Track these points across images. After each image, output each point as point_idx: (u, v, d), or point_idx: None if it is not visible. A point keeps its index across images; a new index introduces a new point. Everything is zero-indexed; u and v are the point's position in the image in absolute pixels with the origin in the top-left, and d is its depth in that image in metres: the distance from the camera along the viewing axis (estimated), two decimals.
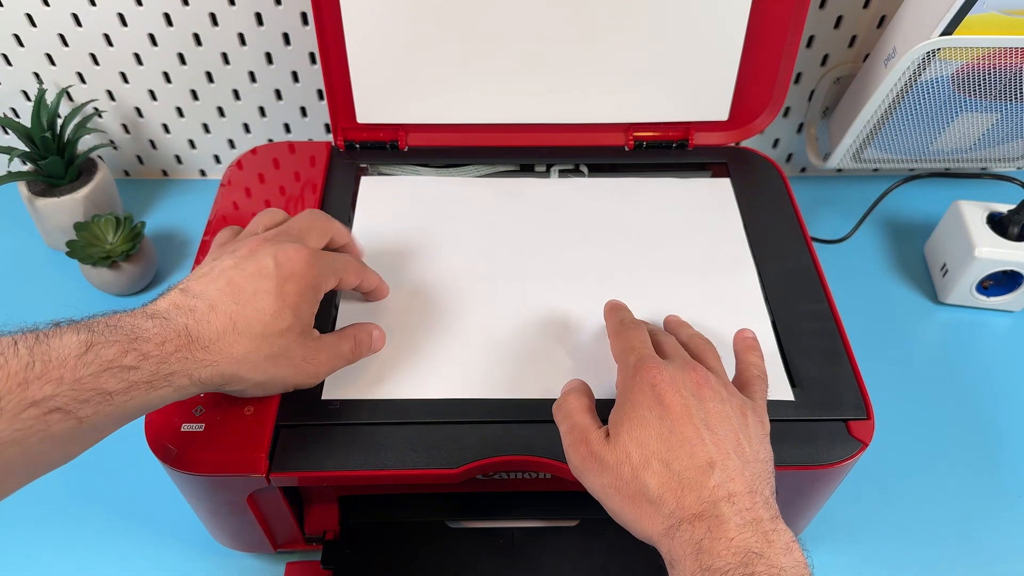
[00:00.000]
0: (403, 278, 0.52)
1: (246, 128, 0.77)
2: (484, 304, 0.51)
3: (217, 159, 0.80)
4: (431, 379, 0.47)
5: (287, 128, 0.77)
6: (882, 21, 0.69)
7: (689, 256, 0.54)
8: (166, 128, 0.77)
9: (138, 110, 0.75)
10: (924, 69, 0.59)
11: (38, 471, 0.34)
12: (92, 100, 0.74)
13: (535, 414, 0.44)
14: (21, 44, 0.69)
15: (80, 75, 0.72)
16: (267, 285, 0.40)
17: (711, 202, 0.59)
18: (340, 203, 0.57)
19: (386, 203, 0.58)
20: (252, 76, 0.72)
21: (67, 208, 0.69)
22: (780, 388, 0.46)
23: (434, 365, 0.47)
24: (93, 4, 0.66)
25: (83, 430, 0.34)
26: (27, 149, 0.67)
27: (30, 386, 0.33)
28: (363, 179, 0.60)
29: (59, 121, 0.69)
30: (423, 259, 0.54)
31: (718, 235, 0.56)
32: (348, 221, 0.56)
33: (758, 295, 0.52)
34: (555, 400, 0.43)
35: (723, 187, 0.60)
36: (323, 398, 0.45)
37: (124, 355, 0.35)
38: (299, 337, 0.41)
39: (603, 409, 0.41)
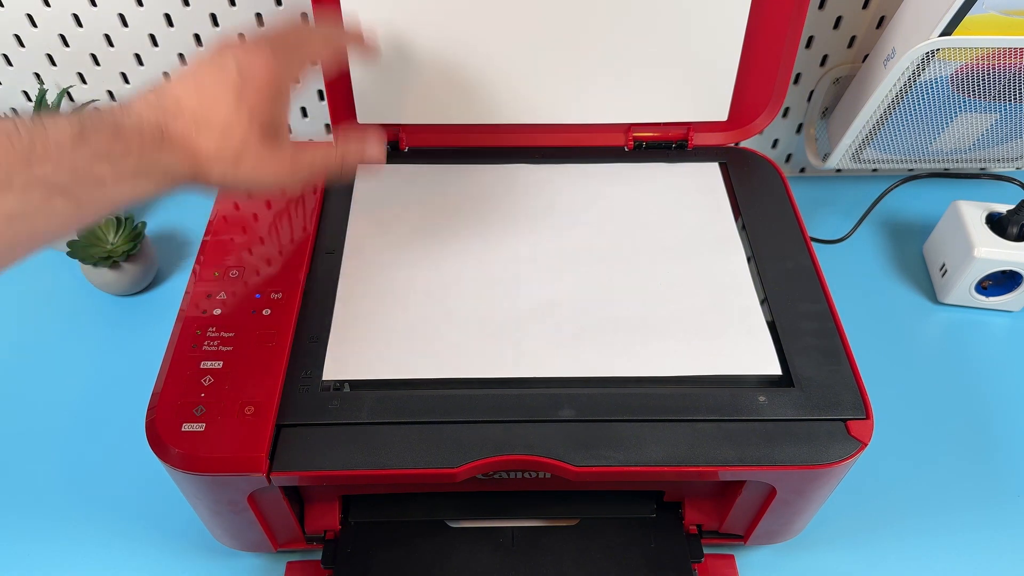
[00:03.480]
0: (400, 262, 0.53)
1: None
2: (479, 286, 0.52)
3: None
4: (429, 360, 0.48)
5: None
6: (881, 22, 0.69)
7: (679, 237, 0.55)
8: None
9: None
10: (923, 69, 0.59)
11: (38, 246, 0.37)
12: (93, 100, 0.74)
13: (535, 414, 0.45)
14: (22, 44, 0.70)
15: (81, 75, 0.72)
16: (228, 87, 0.41)
17: (700, 185, 0.60)
18: (341, 203, 0.57)
19: (382, 190, 0.59)
20: None
21: None
22: (768, 364, 0.48)
23: (432, 346, 0.48)
24: (94, 4, 0.66)
25: (81, 213, 0.37)
26: None
27: (34, 166, 0.34)
28: (359, 167, 0.60)
29: None
30: (419, 243, 0.55)
31: (707, 217, 0.57)
32: (346, 212, 0.57)
33: (745, 272, 0.53)
34: (550, 379, 0.46)
35: (712, 171, 0.61)
36: (324, 378, 0.46)
37: (112, 144, 0.37)
38: (261, 139, 0.42)
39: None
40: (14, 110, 0.75)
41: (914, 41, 0.57)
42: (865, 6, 0.68)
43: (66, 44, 0.70)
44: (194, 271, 0.52)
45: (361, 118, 0.61)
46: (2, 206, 0.34)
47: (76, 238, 0.67)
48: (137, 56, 0.70)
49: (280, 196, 0.44)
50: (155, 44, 0.69)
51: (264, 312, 0.49)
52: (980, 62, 0.58)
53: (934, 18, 0.56)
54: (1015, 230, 0.66)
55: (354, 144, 0.47)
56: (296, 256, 0.53)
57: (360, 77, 0.59)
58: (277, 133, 0.43)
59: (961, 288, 0.68)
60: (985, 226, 0.67)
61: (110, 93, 0.73)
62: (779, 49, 0.58)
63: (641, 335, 0.49)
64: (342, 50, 0.52)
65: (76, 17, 0.67)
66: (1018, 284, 0.68)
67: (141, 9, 0.67)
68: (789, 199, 0.58)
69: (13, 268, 0.76)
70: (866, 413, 0.45)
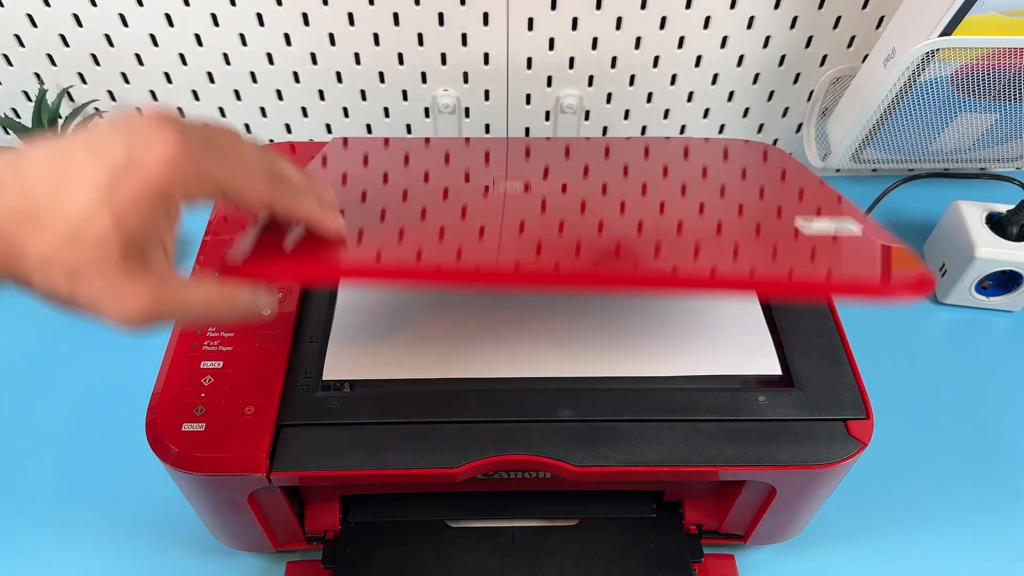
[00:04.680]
0: None
1: (247, 128, 0.77)
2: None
3: None
4: (429, 360, 0.47)
5: (288, 128, 0.77)
6: (881, 22, 0.69)
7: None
8: None
9: (139, 110, 0.75)
10: (923, 69, 0.59)
11: None
12: (93, 100, 0.74)
13: (535, 413, 0.45)
14: (22, 44, 0.70)
15: (81, 75, 0.72)
16: (98, 173, 0.29)
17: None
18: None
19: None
20: (253, 76, 0.72)
21: None
22: (768, 364, 0.47)
23: (432, 346, 0.48)
24: (94, 4, 0.66)
25: None
26: None
27: None
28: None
29: (60, 121, 0.69)
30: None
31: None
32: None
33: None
34: (550, 379, 0.45)
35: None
36: (324, 378, 0.46)
37: None
38: (120, 256, 0.30)
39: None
40: (14, 110, 0.75)
41: (914, 41, 0.57)
42: (865, 6, 0.68)
43: (66, 44, 0.70)
44: (194, 271, 0.52)
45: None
46: None
47: None
48: (137, 56, 0.71)
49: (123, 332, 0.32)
50: (155, 44, 0.69)
51: (264, 312, 0.49)
52: (980, 62, 0.58)
53: (934, 18, 0.56)
54: (1015, 230, 0.66)
55: (245, 295, 0.36)
56: None
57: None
58: (147, 253, 0.32)
59: (961, 288, 0.68)
60: (985, 226, 0.67)
61: (110, 93, 0.73)
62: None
63: (641, 335, 0.49)
64: (278, 213, 0.37)
65: (76, 17, 0.67)
66: (1018, 284, 0.68)
67: (141, 9, 0.67)
68: None
69: None
70: (866, 413, 0.45)
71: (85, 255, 0.30)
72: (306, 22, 0.68)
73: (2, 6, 0.66)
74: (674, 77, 0.73)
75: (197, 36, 0.69)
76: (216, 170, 0.33)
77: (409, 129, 0.77)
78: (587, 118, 0.76)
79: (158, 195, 0.31)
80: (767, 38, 0.70)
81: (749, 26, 0.69)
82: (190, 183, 0.32)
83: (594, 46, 0.70)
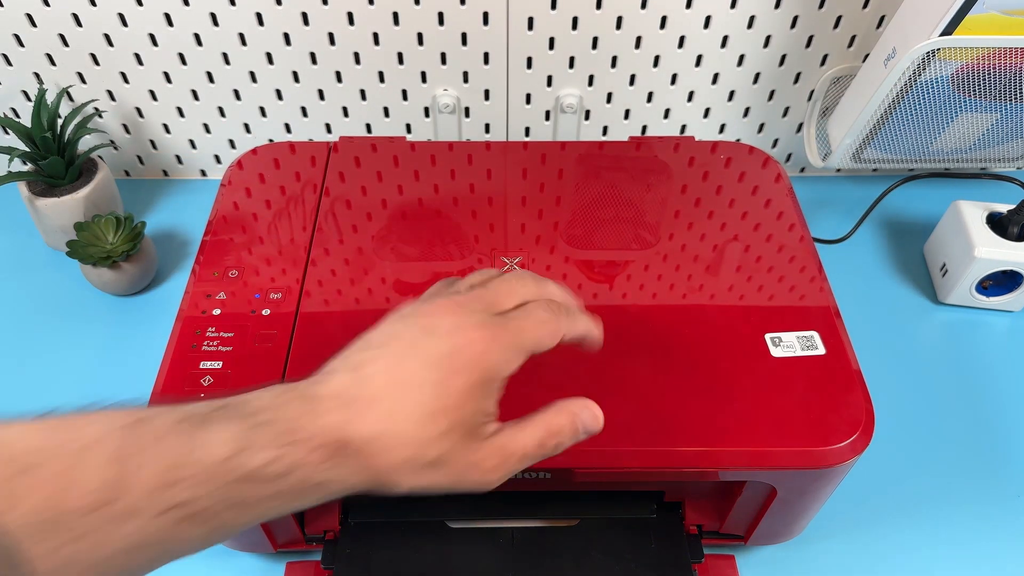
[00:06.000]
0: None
1: (247, 128, 0.77)
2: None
3: (218, 159, 0.80)
4: None
5: (287, 128, 0.77)
6: (881, 21, 0.69)
7: None
8: (167, 128, 0.77)
9: (138, 110, 0.75)
10: (924, 69, 0.59)
11: (157, 566, 0.31)
12: (92, 100, 0.74)
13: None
14: (21, 44, 0.69)
15: (80, 75, 0.72)
16: (433, 376, 0.34)
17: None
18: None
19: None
20: (253, 76, 0.72)
21: (67, 208, 0.69)
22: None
23: None
24: (94, 4, 0.66)
25: (209, 539, 0.32)
26: (27, 149, 0.67)
27: (173, 488, 0.29)
28: None
29: (59, 121, 0.69)
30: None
31: None
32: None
33: None
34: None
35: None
36: None
37: (273, 463, 0.31)
38: (462, 440, 0.34)
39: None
40: (14, 110, 0.75)
41: (914, 41, 0.57)
42: (865, 6, 0.68)
43: (66, 44, 0.69)
44: (194, 271, 0.52)
45: None
46: (122, 535, 0.29)
47: (76, 238, 0.67)
48: (137, 56, 0.70)
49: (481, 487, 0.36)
50: (155, 44, 0.69)
51: (264, 312, 0.49)
52: (980, 62, 0.58)
53: (934, 18, 0.56)
54: (1015, 230, 0.65)
55: (562, 419, 0.37)
56: (296, 256, 0.53)
57: None
58: (478, 431, 0.35)
59: (962, 288, 0.68)
60: (985, 226, 0.67)
61: (110, 93, 0.73)
62: None
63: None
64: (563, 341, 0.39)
65: (76, 17, 0.67)
66: (1018, 284, 0.68)
67: (141, 9, 0.67)
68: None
69: (11, 279, 0.76)
70: (866, 413, 0.45)
71: (438, 449, 0.34)
72: (306, 22, 0.68)
73: (2, 6, 0.66)
74: (674, 77, 0.73)
75: (197, 36, 0.69)
76: (521, 340, 0.36)
77: (409, 129, 0.77)
78: (587, 118, 0.76)
79: (483, 381, 0.35)
80: (767, 38, 0.70)
81: (749, 26, 0.69)
82: (505, 363, 0.35)
83: (594, 46, 0.70)
